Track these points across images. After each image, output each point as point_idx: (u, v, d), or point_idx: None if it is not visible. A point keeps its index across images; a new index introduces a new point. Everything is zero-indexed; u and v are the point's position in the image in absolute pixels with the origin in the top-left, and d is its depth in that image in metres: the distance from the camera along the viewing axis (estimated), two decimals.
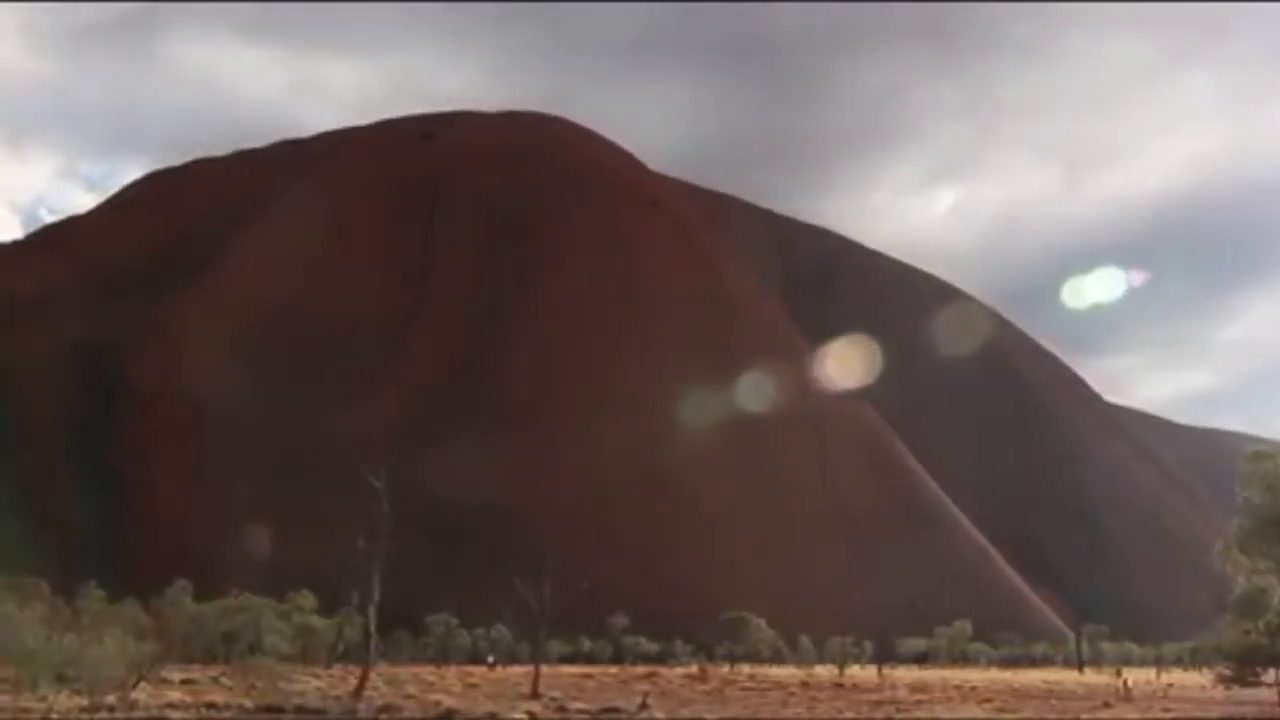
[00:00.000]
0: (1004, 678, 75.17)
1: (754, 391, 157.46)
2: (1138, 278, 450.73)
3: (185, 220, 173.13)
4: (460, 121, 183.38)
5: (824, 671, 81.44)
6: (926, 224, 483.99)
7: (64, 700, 31.02)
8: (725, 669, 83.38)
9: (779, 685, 56.11)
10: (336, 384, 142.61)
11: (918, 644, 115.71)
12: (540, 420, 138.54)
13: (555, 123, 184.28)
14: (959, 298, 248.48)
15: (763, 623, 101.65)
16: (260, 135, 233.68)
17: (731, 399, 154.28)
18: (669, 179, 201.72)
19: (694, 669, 76.81)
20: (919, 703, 42.31)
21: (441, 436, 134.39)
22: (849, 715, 35.40)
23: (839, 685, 57.78)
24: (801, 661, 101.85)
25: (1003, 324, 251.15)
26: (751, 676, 68.66)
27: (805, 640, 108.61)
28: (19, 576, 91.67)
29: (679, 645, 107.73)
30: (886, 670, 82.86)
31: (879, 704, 40.97)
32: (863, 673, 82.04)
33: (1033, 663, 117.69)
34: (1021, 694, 49.72)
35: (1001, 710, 38.73)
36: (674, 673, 74.20)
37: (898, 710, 37.59)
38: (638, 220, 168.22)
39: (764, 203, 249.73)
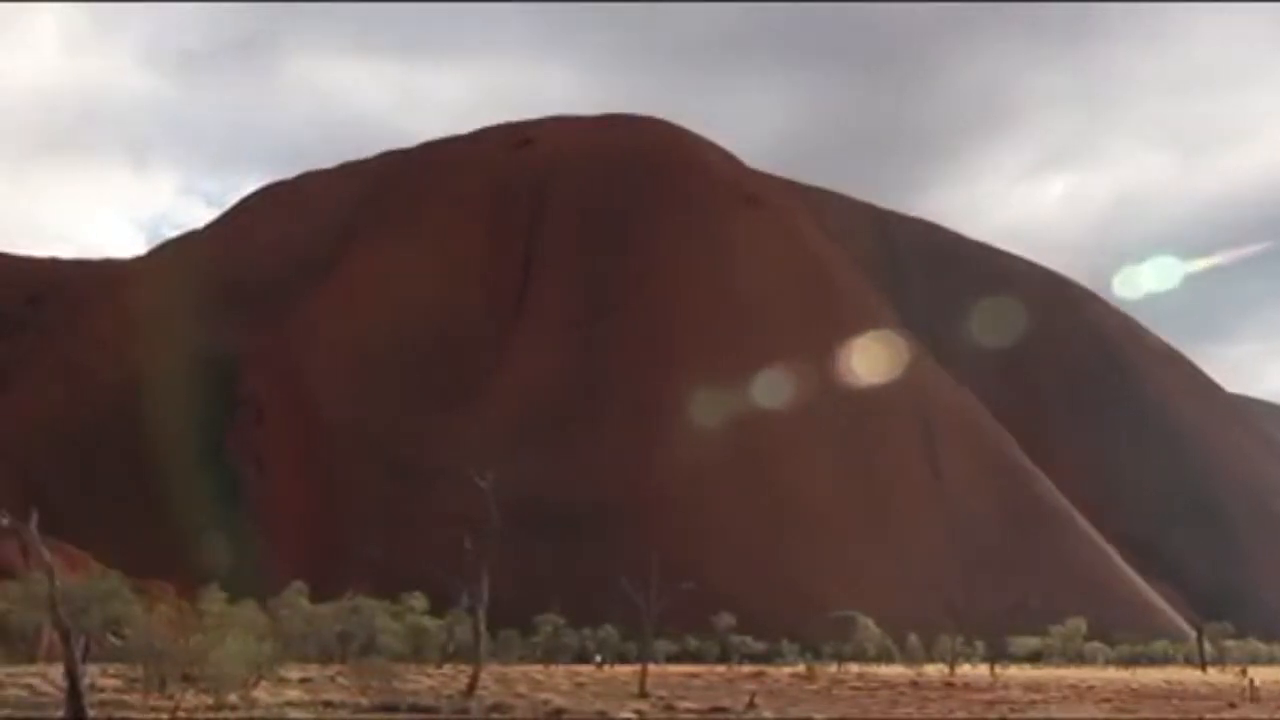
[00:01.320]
0: (1122, 677, 73.19)
1: (859, 388, 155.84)
2: (1250, 263, 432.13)
3: (297, 232, 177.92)
4: (557, 126, 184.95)
5: (934, 671, 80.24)
6: (1037, 213, 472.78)
7: (190, 699, 32.16)
8: (833, 668, 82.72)
9: (888, 685, 55.48)
10: (446, 389, 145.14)
11: (1031, 642, 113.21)
12: (646, 421, 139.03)
13: (652, 124, 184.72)
14: (1070, 288, 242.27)
15: (870, 621, 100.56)
16: (369, 146, 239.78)
17: (837, 396, 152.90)
18: (768, 175, 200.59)
19: (801, 668, 76.33)
20: (1033, 702, 41.45)
21: (548, 439, 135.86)
22: (961, 715, 34.87)
23: (950, 685, 56.90)
24: (910, 660, 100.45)
25: (1116, 314, 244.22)
26: (860, 676, 68.02)
27: (914, 639, 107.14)
28: (147, 580, 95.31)
29: (786, 644, 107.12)
30: (999, 669, 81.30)
31: (992, 704, 40.25)
32: (974, 672, 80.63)
33: (1152, 662, 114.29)
34: (1141, 694, 48.36)
35: (1120, 710, 37.76)
36: (781, 672, 73.91)
37: (1011, 710, 36.89)
38: (737, 218, 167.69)
39: (866, 196, 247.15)
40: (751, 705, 36.42)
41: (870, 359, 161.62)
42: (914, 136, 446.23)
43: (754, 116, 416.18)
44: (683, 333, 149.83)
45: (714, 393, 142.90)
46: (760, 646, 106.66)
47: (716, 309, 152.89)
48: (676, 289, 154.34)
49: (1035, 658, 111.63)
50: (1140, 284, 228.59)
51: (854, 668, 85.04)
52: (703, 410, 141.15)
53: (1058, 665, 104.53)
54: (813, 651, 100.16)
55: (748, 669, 79.80)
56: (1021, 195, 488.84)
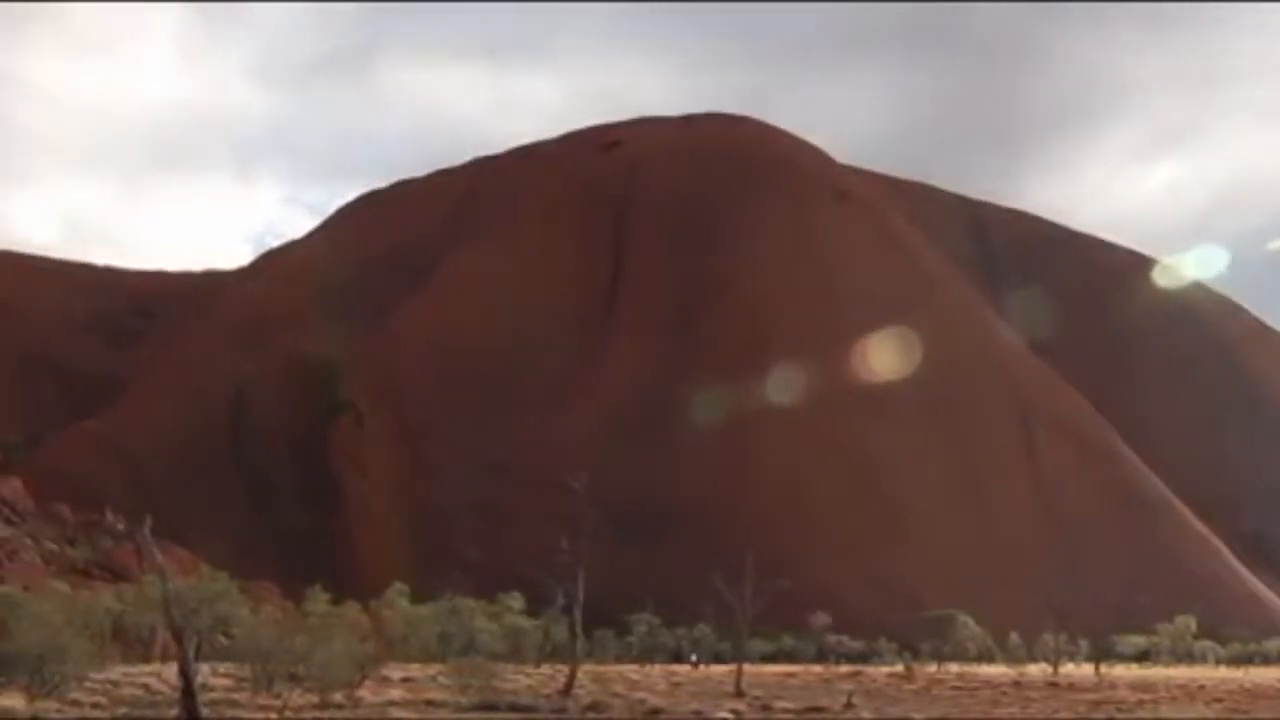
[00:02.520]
0: (1234, 676, 70.99)
1: (955, 381, 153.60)
2: None
3: (392, 240, 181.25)
4: (644, 127, 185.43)
5: (1036, 670, 78.77)
6: (1141, 200, 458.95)
7: (297, 698, 33.02)
8: (932, 668, 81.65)
9: (989, 684, 54.62)
10: (539, 391, 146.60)
11: (1137, 641, 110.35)
12: (738, 419, 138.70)
13: (739, 122, 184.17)
14: (1175, 277, 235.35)
15: (970, 620, 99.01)
16: (465, 151, 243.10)
17: (932, 390, 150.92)
18: (858, 170, 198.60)
19: (899, 668, 75.49)
20: (1141, 702, 40.45)
21: (640, 438, 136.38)
22: (1065, 715, 34.22)
23: (1053, 684, 55.81)
24: (1012, 660, 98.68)
25: (1224, 302, 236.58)
26: (960, 675, 67.07)
27: (1015, 638, 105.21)
28: (253, 581, 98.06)
29: (883, 644, 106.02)
30: (1104, 669, 79.47)
31: (1098, 704, 39.39)
32: (1078, 671, 78.94)
33: (1266, 661, 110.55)
34: (1255, 694, 46.85)
35: (1233, 711, 36.67)
36: (879, 672, 73.19)
37: (1119, 710, 36.08)
38: (828, 214, 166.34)
39: (959, 187, 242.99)
40: (849, 705, 36.17)
41: (965, 352, 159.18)
42: (1010, 126, 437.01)
43: (844, 112, 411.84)
44: (774, 330, 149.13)
45: (807, 390, 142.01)
46: (857, 646, 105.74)
47: (807, 306, 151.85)
48: (767, 287, 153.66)
49: (1142, 657, 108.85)
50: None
51: (954, 667, 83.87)
52: (796, 408, 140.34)
53: (1166, 665, 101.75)
54: (911, 651, 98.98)
55: (844, 669, 79.17)
56: (1126, 181, 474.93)
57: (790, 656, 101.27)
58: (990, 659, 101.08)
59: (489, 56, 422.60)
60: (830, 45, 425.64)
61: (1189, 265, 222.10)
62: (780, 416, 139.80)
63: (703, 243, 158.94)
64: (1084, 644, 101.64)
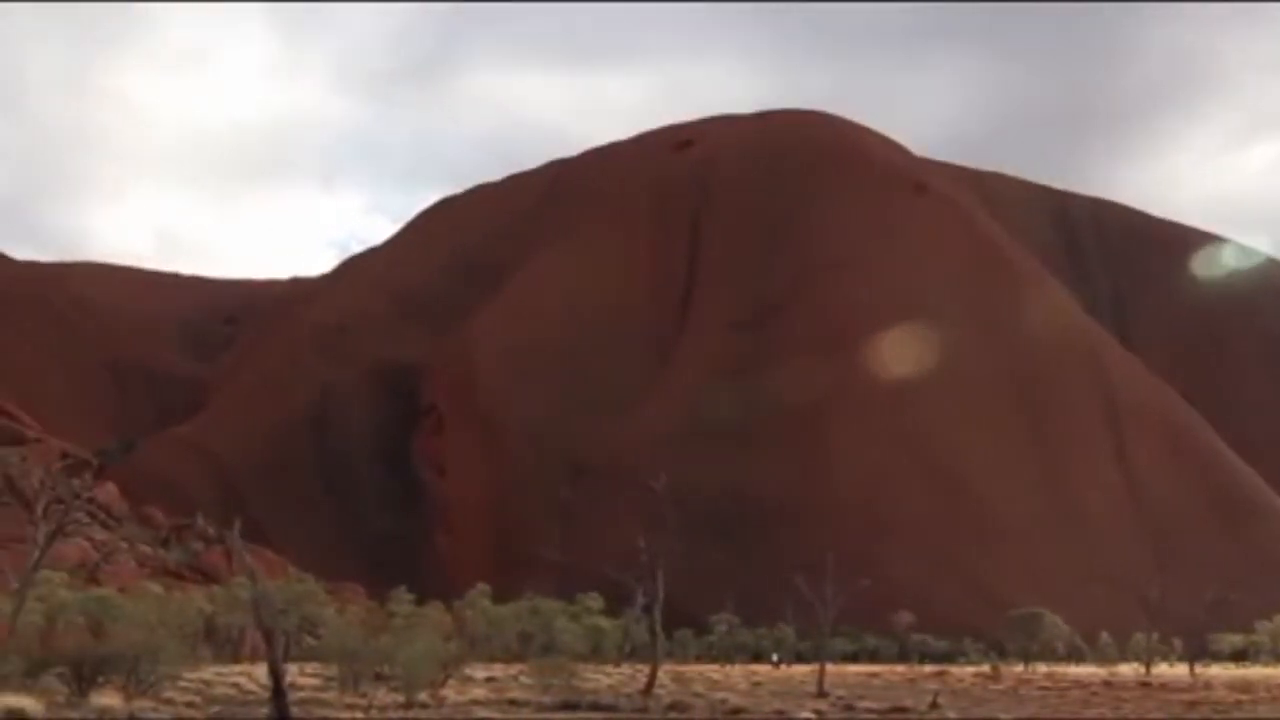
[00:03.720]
0: None
1: (1039, 375, 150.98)
2: None
3: (469, 244, 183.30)
4: (718, 125, 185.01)
5: (1128, 670, 76.96)
6: (1237, 185, 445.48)
7: (382, 696, 33.51)
8: (1019, 667, 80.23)
9: (1079, 684, 53.52)
10: (617, 390, 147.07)
11: (1234, 640, 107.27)
12: (818, 417, 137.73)
13: (813, 117, 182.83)
14: (1272, 265, 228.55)
15: (1058, 619, 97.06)
16: (543, 154, 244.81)
17: (1016, 383, 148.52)
18: (935, 162, 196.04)
19: (985, 667, 74.30)
20: (1239, 703, 39.28)
21: (719, 437, 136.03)
22: (1159, 716, 33.37)
23: (1146, 684, 54.48)
24: (1102, 659, 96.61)
25: None
26: (1048, 675, 65.78)
27: (1105, 637, 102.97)
28: (338, 582, 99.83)
29: (968, 643, 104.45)
30: (1199, 668, 77.41)
31: (1193, 704, 38.34)
32: (1172, 671, 76.98)
33: None
34: None
35: None
36: (964, 671, 72.08)
37: (1215, 711, 35.06)
38: (906, 208, 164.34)
39: (1041, 176, 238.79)
40: (934, 705, 35.66)
41: (1050, 344, 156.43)
42: (1095, 112, 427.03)
43: (921, 103, 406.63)
44: (852, 327, 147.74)
45: (887, 387, 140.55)
46: (941, 645, 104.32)
47: (886, 301, 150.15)
48: (845, 283, 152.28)
49: (1239, 656, 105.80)
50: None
51: (1042, 667, 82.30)
52: (878, 404, 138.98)
53: (1265, 664, 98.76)
54: (997, 650, 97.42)
55: (928, 668, 78.15)
56: (1222, 167, 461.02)
57: (873, 656, 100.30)
58: (1080, 659, 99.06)
59: (566, 59, 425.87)
60: (905, 36, 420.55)
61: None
62: (862, 413, 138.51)
63: (779, 239, 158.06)
64: (1178, 643, 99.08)
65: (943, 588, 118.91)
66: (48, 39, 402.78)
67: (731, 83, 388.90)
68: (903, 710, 33.79)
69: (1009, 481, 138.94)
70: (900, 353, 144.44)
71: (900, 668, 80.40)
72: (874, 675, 64.15)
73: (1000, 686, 52.53)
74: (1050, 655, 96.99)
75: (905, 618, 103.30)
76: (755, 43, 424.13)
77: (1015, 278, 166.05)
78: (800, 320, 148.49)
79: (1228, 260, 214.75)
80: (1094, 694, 45.50)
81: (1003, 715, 33.16)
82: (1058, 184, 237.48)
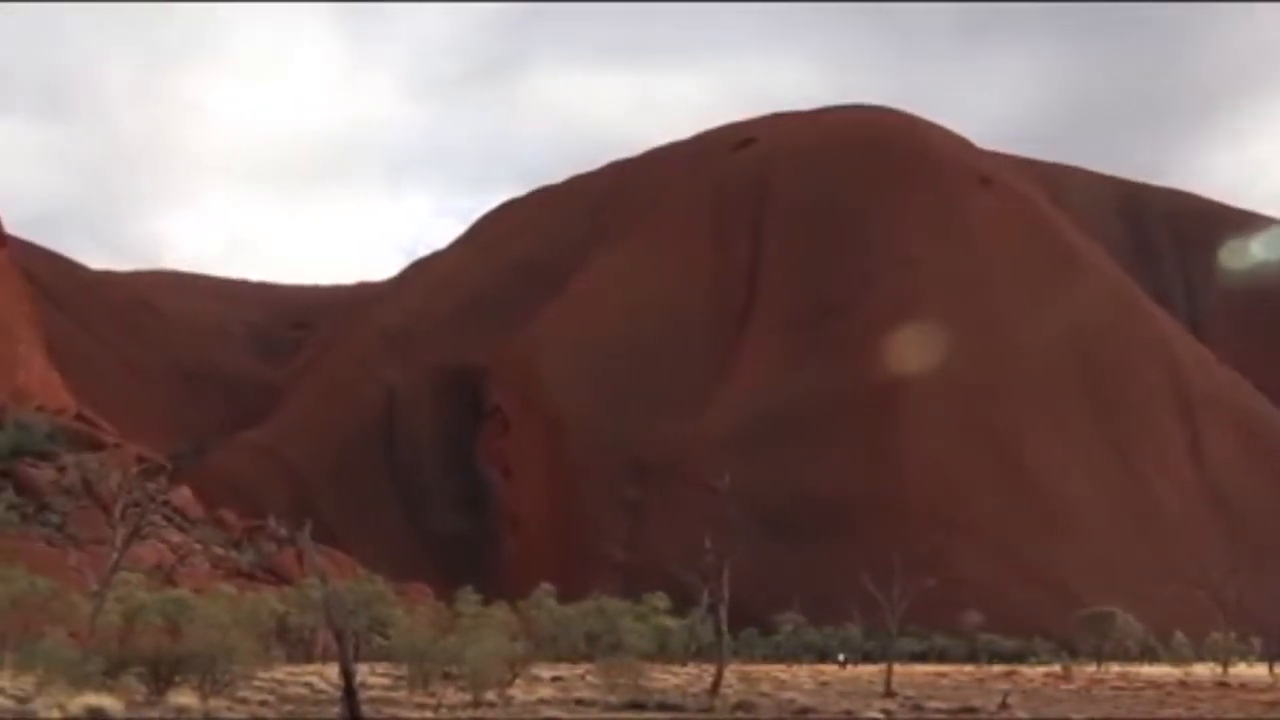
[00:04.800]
0: None
1: (1110, 368, 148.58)
2: None
3: (532, 246, 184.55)
4: (778, 123, 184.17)
5: (1204, 670, 75.39)
6: None
7: (451, 696, 33.92)
8: (1092, 667, 78.95)
9: (1153, 684, 52.62)
10: (679, 391, 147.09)
11: None
12: (883, 415, 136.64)
13: (874, 112, 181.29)
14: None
15: (1130, 618, 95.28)
16: (606, 154, 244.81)
17: (1086, 378, 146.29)
18: (1001, 155, 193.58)
19: (1056, 667, 73.23)
20: None
21: (783, 437, 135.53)
22: (1237, 716, 32.71)
23: (1223, 684, 53.37)
24: (1176, 659, 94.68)
25: None
26: (1121, 675, 64.69)
27: (1180, 636, 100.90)
28: (406, 583, 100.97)
29: (1038, 642, 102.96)
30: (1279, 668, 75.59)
31: (1273, 705, 37.54)
32: (1250, 671, 75.27)
33: None
34: None
35: None
36: (1034, 671, 71.13)
37: None
38: (971, 202, 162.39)
39: (1114, 169, 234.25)
40: (1004, 706, 35.29)
41: (1120, 337, 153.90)
42: (1171, 103, 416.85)
43: (983, 96, 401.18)
44: (918, 322, 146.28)
45: (955, 381, 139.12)
46: (1011, 645, 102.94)
47: (951, 297, 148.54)
48: (910, 278, 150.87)
49: None
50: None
51: (1114, 667, 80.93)
52: (944, 400, 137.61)
53: None
54: (1068, 650, 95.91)
55: (998, 668, 77.23)
56: None
57: (941, 656, 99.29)
58: (1154, 659, 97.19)
59: (629, 59, 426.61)
60: (969, 27, 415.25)
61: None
62: (928, 409, 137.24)
63: (841, 236, 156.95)
64: (1256, 642, 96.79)
65: (1012, 586, 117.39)
66: (123, 49, 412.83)
67: (792, 80, 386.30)
68: (972, 710, 33.50)
69: (1080, 477, 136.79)
70: (966, 349, 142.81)
71: (969, 668, 79.54)
72: (942, 675, 63.55)
73: (1072, 687, 51.82)
74: (1123, 655, 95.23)
75: (974, 617, 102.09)
76: (817, 39, 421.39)
77: (1083, 270, 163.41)
78: (864, 317, 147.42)
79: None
80: (1169, 694, 44.71)
81: (1074, 715, 32.74)
82: (1130, 176, 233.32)
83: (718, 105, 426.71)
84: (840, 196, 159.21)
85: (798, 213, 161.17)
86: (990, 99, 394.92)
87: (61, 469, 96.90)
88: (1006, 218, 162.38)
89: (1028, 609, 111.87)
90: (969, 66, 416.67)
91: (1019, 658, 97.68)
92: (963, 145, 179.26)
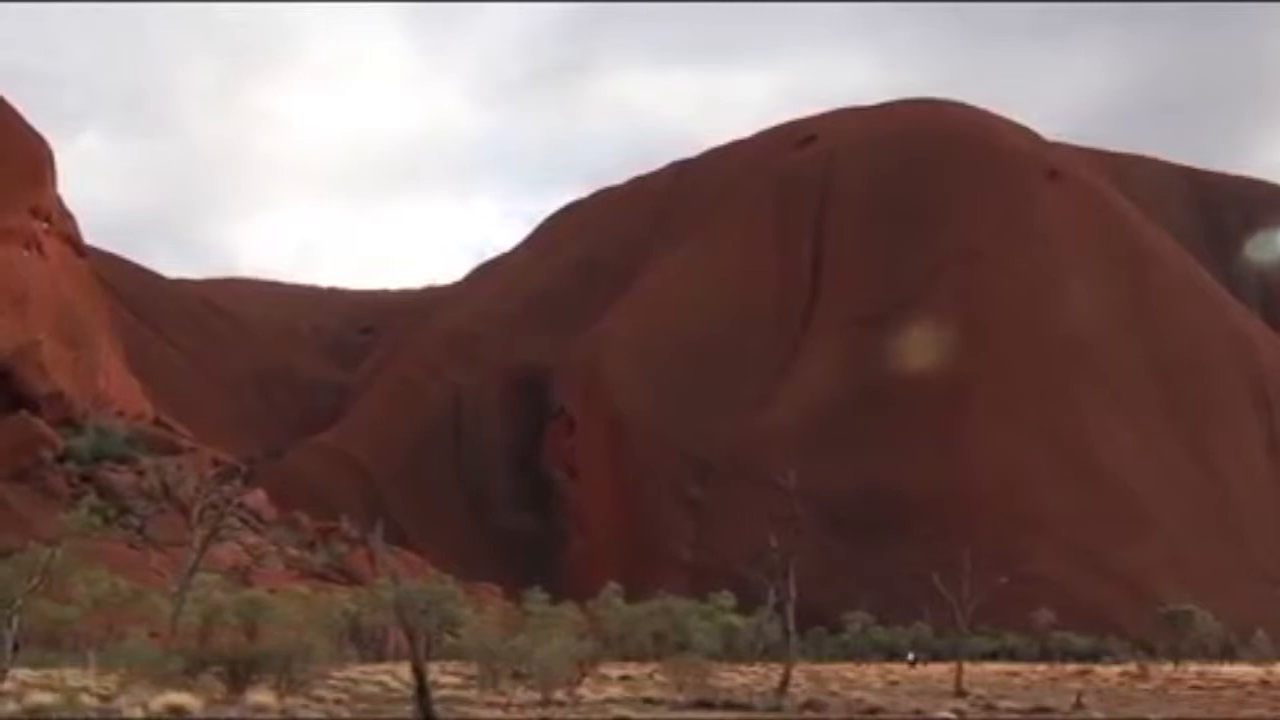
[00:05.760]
0: None
1: (1183, 360, 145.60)
2: None
3: (594, 246, 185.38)
4: (840, 119, 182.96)
5: None
6: None
7: (520, 695, 34.31)
8: (1169, 666, 77.44)
9: (1233, 684, 51.53)
10: (743, 389, 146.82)
11: None
12: (951, 412, 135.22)
13: (938, 105, 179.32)
14: None
15: (1209, 615, 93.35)
16: (671, 154, 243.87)
17: (1158, 370, 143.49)
18: (1069, 146, 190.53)
19: (1132, 666, 71.98)
20: None
21: (848, 435, 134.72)
22: None
23: None
24: (1258, 658, 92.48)
25: None
26: (1200, 674, 63.36)
27: (1261, 634, 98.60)
28: (475, 583, 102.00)
29: (1113, 641, 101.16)
30: None
31: None
32: None
33: None
34: None
35: None
36: (1109, 671, 69.92)
37: None
38: (1039, 194, 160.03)
39: (1181, 156, 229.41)
40: (1079, 705, 34.87)
41: (1194, 328, 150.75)
42: (1240, 89, 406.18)
43: (1050, 87, 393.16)
44: (986, 317, 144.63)
45: (1025, 376, 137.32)
46: (1085, 643, 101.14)
47: (1021, 290, 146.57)
48: (977, 273, 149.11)
49: None
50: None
51: (1192, 666, 79.29)
52: (1014, 395, 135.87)
53: None
54: (1144, 649, 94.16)
55: (1071, 667, 76.05)
56: None
57: (1012, 655, 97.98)
58: (1233, 657, 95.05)
59: (694, 58, 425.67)
60: (1034, 16, 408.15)
61: None
62: (997, 405, 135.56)
63: (906, 232, 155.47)
64: None
65: (1086, 584, 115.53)
66: (197, 60, 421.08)
67: (855, 75, 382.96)
68: (1045, 710, 33.12)
69: (1154, 473, 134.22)
70: (1038, 341, 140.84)
71: (1041, 667, 78.37)
72: (1014, 674, 62.73)
73: (1148, 686, 50.94)
74: (1201, 654, 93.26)
75: (1046, 615, 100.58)
76: (879, 34, 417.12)
77: (1154, 261, 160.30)
78: (931, 313, 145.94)
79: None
80: (1250, 694, 43.79)
81: (1151, 715, 32.26)
82: (1204, 165, 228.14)
83: (782, 102, 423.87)
84: (904, 191, 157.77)
85: (861, 208, 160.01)
86: (1056, 89, 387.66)
87: (141, 473, 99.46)
88: (1075, 210, 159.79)
89: (1102, 607, 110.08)
90: (1034, 58, 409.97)
91: (1093, 656, 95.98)
92: (1029, 137, 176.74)
